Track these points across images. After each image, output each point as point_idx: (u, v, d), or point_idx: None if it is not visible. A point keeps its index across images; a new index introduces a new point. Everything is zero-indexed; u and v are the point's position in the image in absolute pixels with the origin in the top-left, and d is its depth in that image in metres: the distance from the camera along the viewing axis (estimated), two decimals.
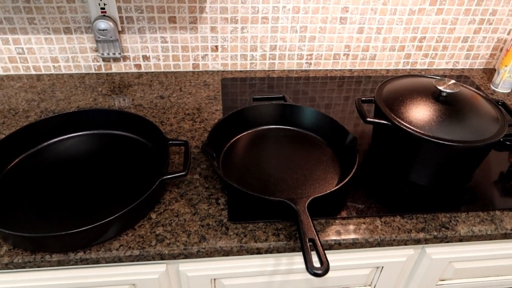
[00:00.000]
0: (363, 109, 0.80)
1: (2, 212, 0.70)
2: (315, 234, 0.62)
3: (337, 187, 0.69)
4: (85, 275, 0.70)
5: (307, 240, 0.61)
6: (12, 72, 1.10)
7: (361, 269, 0.77)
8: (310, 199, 0.67)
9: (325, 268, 0.58)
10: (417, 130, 0.73)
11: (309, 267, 0.58)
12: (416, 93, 0.80)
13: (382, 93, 0.83)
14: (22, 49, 1.06)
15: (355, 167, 0.74)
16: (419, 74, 0.91)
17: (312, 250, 0.61)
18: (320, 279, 0.78)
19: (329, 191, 0.68)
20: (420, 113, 0.76)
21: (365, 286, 0.82)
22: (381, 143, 0.86)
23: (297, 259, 0.74)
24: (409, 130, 0.73)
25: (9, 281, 0.69)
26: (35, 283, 0.69)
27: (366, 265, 0.76)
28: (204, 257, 0.68)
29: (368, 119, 0.78)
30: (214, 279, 0.75)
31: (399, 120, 0.76)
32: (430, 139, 0.72)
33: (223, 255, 0.68)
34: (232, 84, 1.12)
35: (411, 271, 0.82)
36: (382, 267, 0.77)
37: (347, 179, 0.71)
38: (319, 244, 0.61)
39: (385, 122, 0.77)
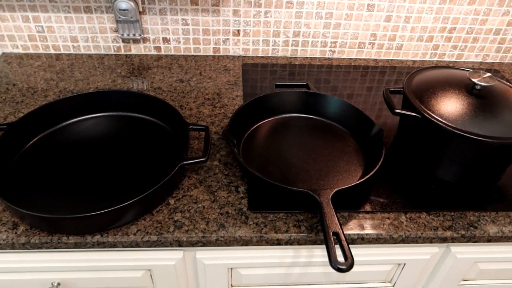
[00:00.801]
0: (392, 100, 0.77)
1: (20, 191, 0.69)
2: (340, 227, 0.60)
3: (363, 180, 0.67)
4: (101, 258, 0.69)
5: (331, 234, 0.59)
6: (31, 51, 1.09)
7: (382, 265, 0.75)
8: (334, 191, 0.64)
9: (350, 263, 0.55)
10: (449, 123, 0.70)
11: (333, 262, 0.56)
12: (448, 85, 0.77)
13: (411, 84, 0.79)
14: (42, 28, 1.05)
15: (381, 159, 0.71)
16: (451, 66, 0.87)
17: (336, 244, 0.59)
18: (339, 274, 0.76)
19: (354, 183, 0.66)
20: (452, 106, 0.73)
21: (384, 282, 0.80)
22: (408, 136, 0.82)
23: (317, 252, 0.72)
24: (440, 123, 0.70)
25: (25, 261, 0.68)
26: (51, 264, 0.68)
27: (387, 261, 0.74)
28: (222, 245, 0.66)
29: (397, 110, 0.75)
30: (231, 269, 0.73)
31: (430, 112, 0.72)
32: (462, 133, 0.68)
33: (242, 245, 0.66)
34: (253, 70, 1.09)
35: (433, 269, 0.79)
36: (404, 264, 0.75)
37: (373, 172, 0.69)
38: (344, 238, 0.58)
39: (414, 114, 0.73)
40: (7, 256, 0.68)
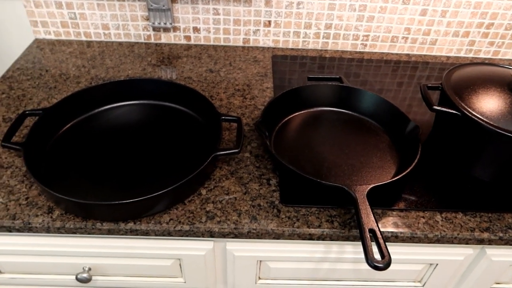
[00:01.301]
0: (430, 96, 0.75)
1: (54, 176, 0.70)
2: (376, 224, 0.58)
3: (400, 176, 0.65)
4: (132, 246, 0.69)
5: (367, 231, 0.58)
6: (63, 37, 1.10)
7: (414, 265, 0.74)
8: (370, 187, 0.63)
9: (387, 261, 0.54)
10: (490, 122, 0.68)
11: (370, 259, 0.55)
12: (489, 83, 0.74)
13: (450, 80, 0.77)
14: (75, 14, 1.05)
15: (418, 156, 0.70)
16: (493, 62, 0.84)
17: (372, 241, 0.58)
18: (369, 271, 0.75)
19: (391, 180, 0.65)
20: (493, 104, 0.70)
21: (414, 282, 0.78)
22: (444, 133, 0.80)
23: (348, 248, 0.71)
24: (481, 121, 0.68)
25: (58, 245, 0.69)
26: (83, 249, 0.69)
27: (420, 260, 0.72)
28: (254, 238, 0.66)
29: (435, 107, 0.73)
30: (260, 261, 0.73)
31: (470, 110, 0.70)
32: (505, 133, 0.66)
33: (274, 238, 0.66)
34: (282, 62, 1.08)
35: (465, 270, 0.77)
36: (437, 264, 0.73)
37: (409, 169, 0.67)
38: (380, 236, 0.57)
39: (454, 111, 0.71)
40: (40, 239, 0.69)
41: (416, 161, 0.69)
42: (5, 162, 0.73)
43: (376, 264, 0.54)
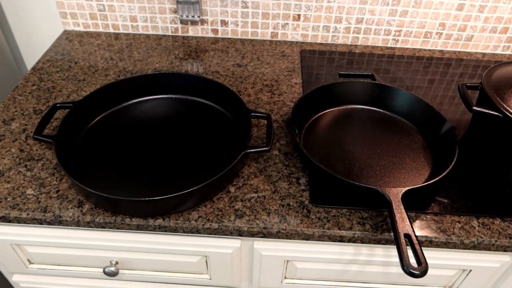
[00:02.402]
0: (469, 96, 0.72)
1: (84, 169, 0.70)
2: (412, 229, 0.56)
3: (437, 179, 0.63)
4: (159, 241, 0.69)
5: (403, 235, 0.56)
6: (91, 29, 1.10)
7: (446, 270, 0.71)
8: (405, 190, 0.61)
9: (424, 268, 0.52)
10: None
11: (405, 265, 0.53)
12: None
13: (491, 80, 0.74)
14: (103, 6, 1.05)
15: (455, 158, 0.67)
16: None
17: (407, 246, 0.56)
18: (398, 275, 0.73)
19: (428, 183, 0.62)
20: None
21: (445, 287, 0.76)
22: (483, 134, 0.77)
23: (378, 251, 0.69)
24: None
25: (86, 238, 0.69)
26: (111, 243, 0.69)
27: (453, 266, 0.70)
28: (283, 238, 0.65)
29: (475, 108, 0.70)
30: (287, 261, 0.72)
31: None
32: None
33: (303, 239, 0.65)
34: (311, 56, 1.05)
35: (500, 277, 0.74)
36: (470, 270, 0.70)
37: (446, 171, 0.64)
38: (416, 241, 0.55)
39: (494, 113, 0.68)
40: (68, 232, 0.69)
41: (453, 163, 0.66)
42: (36, 154, 0.73)
43: (412, 271, 0.52)
